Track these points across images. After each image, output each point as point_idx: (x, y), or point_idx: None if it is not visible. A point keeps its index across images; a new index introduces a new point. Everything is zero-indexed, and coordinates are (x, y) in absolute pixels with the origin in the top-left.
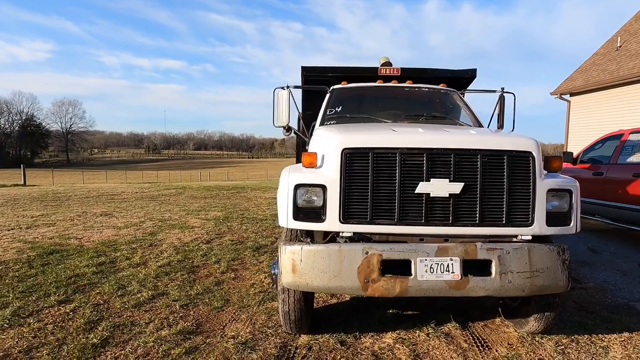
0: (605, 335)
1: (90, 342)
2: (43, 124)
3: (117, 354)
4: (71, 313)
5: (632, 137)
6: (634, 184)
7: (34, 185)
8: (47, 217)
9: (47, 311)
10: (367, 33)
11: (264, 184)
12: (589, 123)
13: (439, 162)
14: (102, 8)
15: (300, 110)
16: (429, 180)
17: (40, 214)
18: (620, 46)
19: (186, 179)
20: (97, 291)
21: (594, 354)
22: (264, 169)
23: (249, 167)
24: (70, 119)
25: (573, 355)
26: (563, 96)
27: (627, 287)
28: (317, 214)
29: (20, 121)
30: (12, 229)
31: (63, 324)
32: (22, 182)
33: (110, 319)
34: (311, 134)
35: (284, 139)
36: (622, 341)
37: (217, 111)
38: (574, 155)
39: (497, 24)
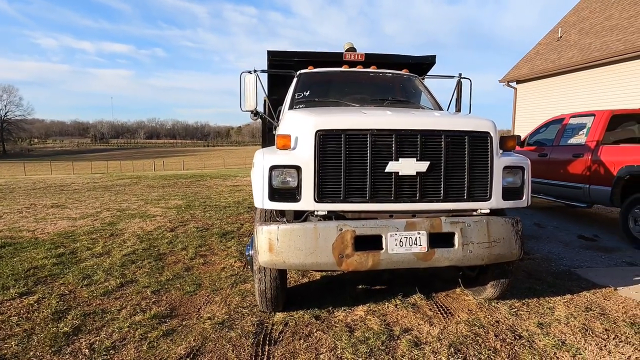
0: (551, 298)
1: (61, 330)
2: None
3: (92, 340)
4: (35, 304)
5: (572, 120)
6: (574, 164)
7: None
8: None
9: (8, 304)
10: (323, 19)
11: (223, 172)
12: (533, 109)
13: (406, 142)
14: None
15: (267, 95)
16: (398, 160)
17: None
18: (560, 37)
19: (139, 168)
20: (61, 282)
21: (542, 314)
22: (221, 158)
23: (205, 155)
24: (5, 106)
25: (525, 316)
26: (510, 83)
27: (568, 256)
28: (292, 194)
29: None
30: None
31: (28, 315)
32: None
33: (79, 308)
34: (278, 118)
35: (240, 126)
36: (565, 302)
37: (168, 98)
38: (522, 138)
39: (450, 14)
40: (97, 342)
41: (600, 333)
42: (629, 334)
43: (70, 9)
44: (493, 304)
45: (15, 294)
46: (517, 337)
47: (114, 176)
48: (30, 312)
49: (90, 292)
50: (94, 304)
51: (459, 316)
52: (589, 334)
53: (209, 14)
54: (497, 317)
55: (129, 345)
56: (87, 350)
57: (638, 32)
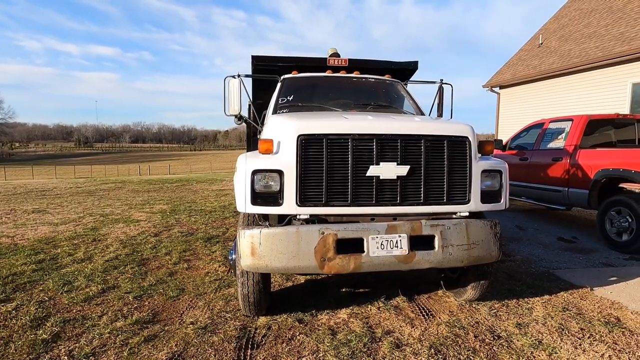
0: (530, 299)
1: (40, 338)
2: None
3: (71, 347)
4: (14, 312)
5: (552, 125)
6: (553, 167)
7: None
8: None
9: None
10: (311, 23)
11: (210, 176)
12: (516, 113)
13: (387, 147)
14: None
15: (251, 99)
16: (379, 164)
17: None
18: (541, 43)
19: (124, 173)
20: (40, 288)
21: (520, 315)
22: (207, 162)
23: (191, 159)
24: None
25: (504, 317)
26: (493, 89)
27: (547, 257)
28: (275, 198)
29: None
30: None
31: (6, 323)
32: None
33: (58, 315)
34: (263, 123)
35: (227, 130)
36: (543, 302)
37: (155, 102)
38: (504, 142)
39: (437, 19)
40: (77, 349)
41: (575, 332)
42: (603, 332)
43: (56, 10)
44: (474, 305)
45: None
46: (496, 338)
47: (98, 181)
48: (7, 320)
49: (71, 299)
50: (74, 311)
51: (440, 317)
52: (565, 333)
53: (198, 18)
54: (477, 318)
55: (109, 352)
56: (66, 357)
57: (615, 39)
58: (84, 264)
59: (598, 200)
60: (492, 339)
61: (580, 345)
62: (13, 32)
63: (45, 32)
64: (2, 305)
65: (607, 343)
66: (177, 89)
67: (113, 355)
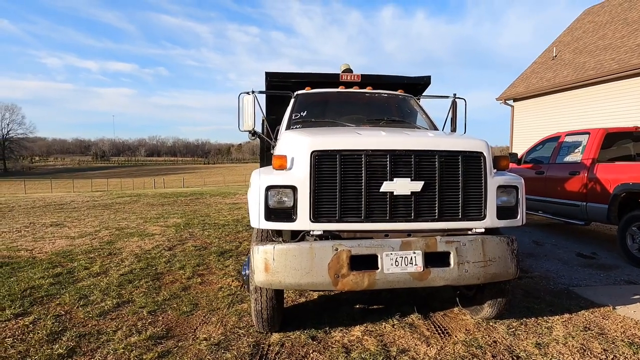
0: (550, 317)
1: (56, 352)
2: None
3: None
4: (31, 325)
5: (568, 138)
6: (570, 181)
7: None
8: None
9: (3, 325)
10: (324, 38)
11: (223, 189)
12: (530, 126)
13: (401, 162)
14: (41, 6)
15: (265, 115)
16: (393, 180)
17: None
18: (555, 56)
19: (139, 186)
20: (57, 302)
21: (540, 334)
22: (221, 175)
23: (205, 173)
24: (8, 124)
25: (522, 336)
26: (507, 101)
27: (566, 274)
28: (288, 214)
29: None
30: None
31: (23, 337)
32: None
33: (74, 329)
34: (276, 138)
35: (240, 144)
36: (563, 321)
37: (170, 116)
38: (519, 156)
39: (448, 33)
40: None
41: (598, 353)
42: (627, 354)
43: (76, 29)
44: (491, 324)
45: (11, 314)
46: (515, 358)
47: (114, 194)
48: (25, 334)
49: (87, 313)
50: (90, 325)
51: (456, 336)
52: (587, 354)
53: (213, 34)
54: (494, 337)
55: None
56: None
57: (631, 51)
58: (99, 277)
59: (618, 215)
60: (510, 359)
61: None
62: (35, 49)
63: (66, 50)
64: (20, 319)
65: None
66: (192, 104)
67: None
